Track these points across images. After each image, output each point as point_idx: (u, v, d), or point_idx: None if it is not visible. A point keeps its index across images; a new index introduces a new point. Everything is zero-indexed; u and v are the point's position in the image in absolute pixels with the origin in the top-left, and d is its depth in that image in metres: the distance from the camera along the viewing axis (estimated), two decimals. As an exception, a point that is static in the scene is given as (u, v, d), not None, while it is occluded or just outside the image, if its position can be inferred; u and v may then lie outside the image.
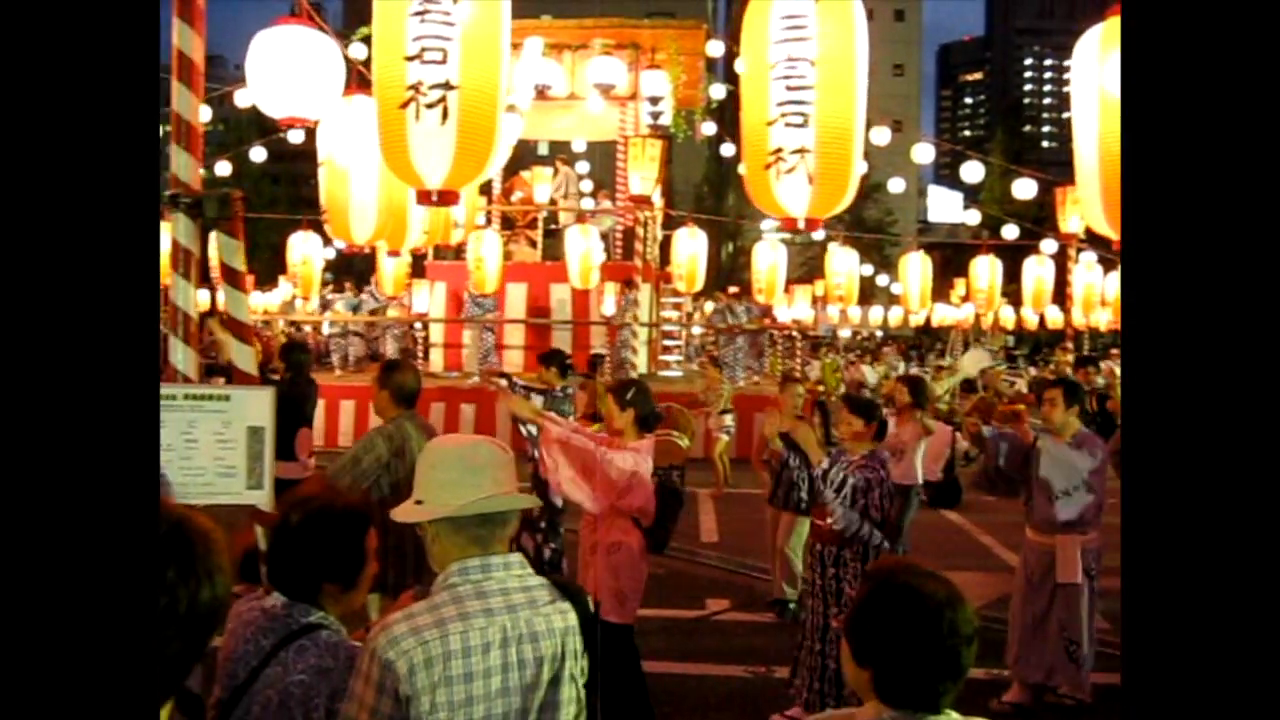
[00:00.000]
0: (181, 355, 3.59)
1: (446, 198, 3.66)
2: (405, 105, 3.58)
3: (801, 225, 3.81)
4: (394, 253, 7.30)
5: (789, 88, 3.69)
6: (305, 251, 14.41)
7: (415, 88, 3.58)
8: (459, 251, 15.88)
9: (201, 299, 4.43)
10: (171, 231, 3.55)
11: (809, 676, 4.89)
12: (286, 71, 4.72)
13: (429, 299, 15.61)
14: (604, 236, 16.23)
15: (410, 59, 3.59)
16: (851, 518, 4.62)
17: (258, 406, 3.59)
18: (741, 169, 18.96)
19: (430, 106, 3.57)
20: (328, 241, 12.17)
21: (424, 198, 3.70)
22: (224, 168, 19.29)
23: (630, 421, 4.62)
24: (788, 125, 3.70)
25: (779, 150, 3.72)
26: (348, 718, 2.08)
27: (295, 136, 16.38)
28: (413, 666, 1.98)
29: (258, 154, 18.62)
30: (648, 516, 4.59)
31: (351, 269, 28.04)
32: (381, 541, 2.60)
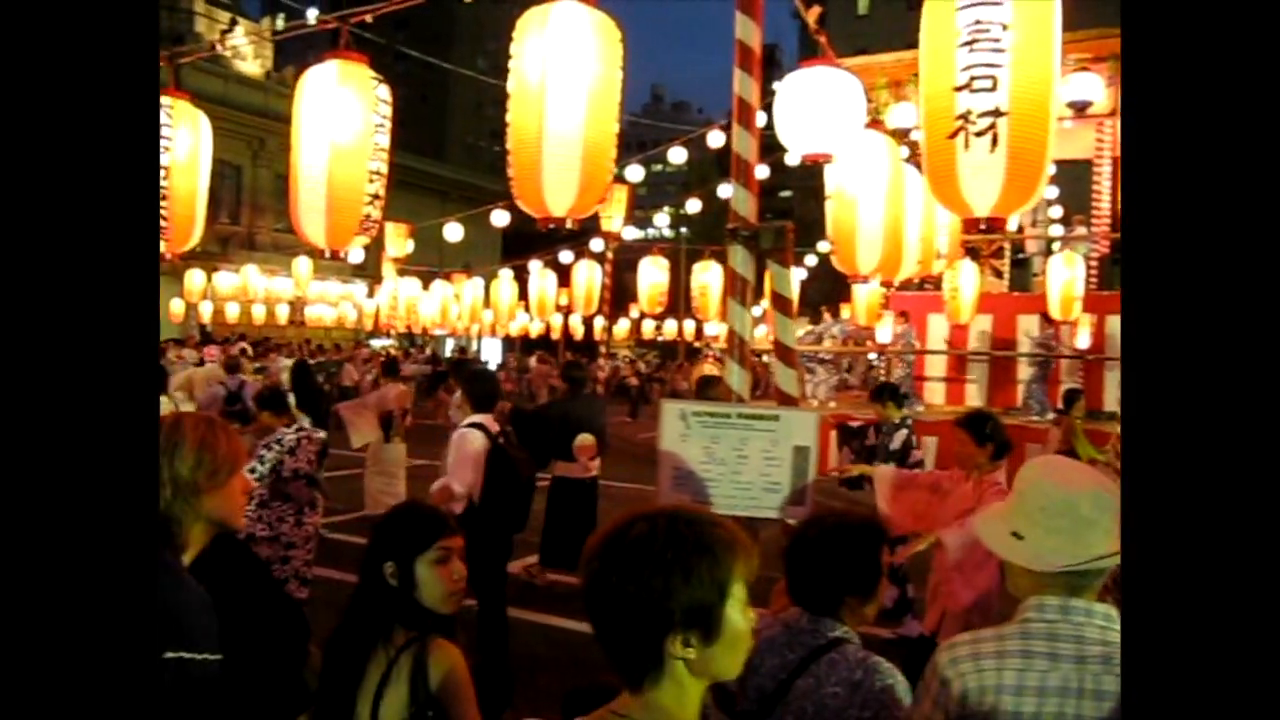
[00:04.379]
0: (737, 376, 3.87)
1: (994, 224, 3.65)
2: (954, 135, 3.61)
3: None
4: (887, 283, 7.42)
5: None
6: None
7: (964, 117, 3.60)
8: (921, 283, 15.70)
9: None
10: (729, 260, 3.85)
11: None
12: (812, 111, 4.94)
13: (891, 330, 15.57)
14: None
15: (959, 89, 3.62)
16: None
17: (803, 427, 3.78)
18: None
19: (979, 135, 3.58)
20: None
21: (971, 225, 3.72)
22: (694, 205, 20.57)
23: (989, 456, 4.55)
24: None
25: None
26: None
27: (760, 172, 17.15)
28: (965, 691, 1.95)
29: (724, 190, 19.61)
30: None
31: (806, 300, 28.70)
32: None
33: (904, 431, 7.76)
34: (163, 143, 5.26)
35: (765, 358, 15.65)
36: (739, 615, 1.55)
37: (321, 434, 6.43)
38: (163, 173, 5.27)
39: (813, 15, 5.15)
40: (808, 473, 3.76)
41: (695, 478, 3.80)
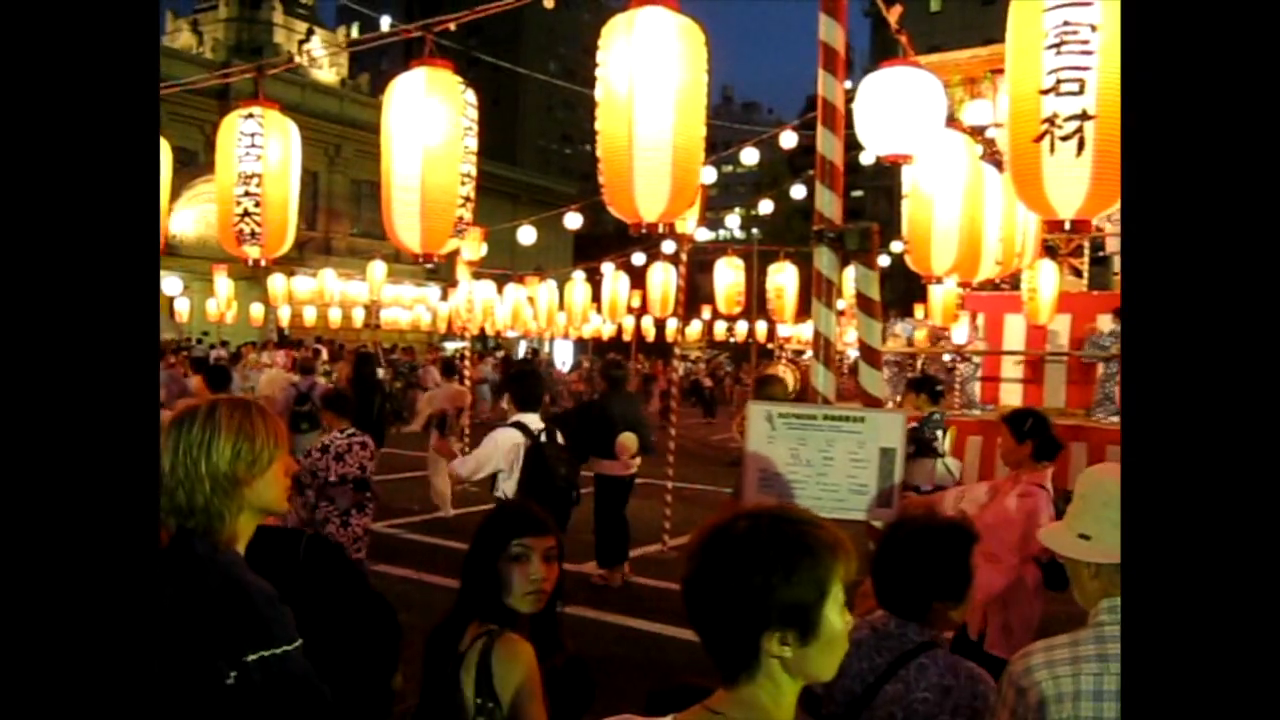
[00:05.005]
0: (822, 378, 3.89)
1: (1078, 225, 3.64)
2: (1040, 139, 3.59)
3: None
4: (965, 284, 7.35)
5: None
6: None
7: (1050, 120, 3.58)
8: (996, 282, 15.42)
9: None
10: (815, 262, 3.88)
11: None
12: (893, 110, 4.92)
13: (967, 330, 15.36)
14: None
15: (1045, 92, 3.60)
16: None
17: (889, 429, 3.80)
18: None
19: (1065, 139, 3.55)
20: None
21: (1054, 226, 3.71)
22: (766, 205, 20.53)
23: (1028, 454, 4.48)
24: None
25: None
26: None
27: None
28: (1043, 698, 1.94)
29: (796, 191, 19.54)
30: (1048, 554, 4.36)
31: (878, 300, 28.42)
32: None
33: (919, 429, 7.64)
34: (255, 152, 5.45)
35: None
36: (837, 616, 1.55)
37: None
38: (256, 181, 5.45)
39: (894, 14, 5.13)
40: (894, 475, 3.77)
41: (781, 479, 3.83)
